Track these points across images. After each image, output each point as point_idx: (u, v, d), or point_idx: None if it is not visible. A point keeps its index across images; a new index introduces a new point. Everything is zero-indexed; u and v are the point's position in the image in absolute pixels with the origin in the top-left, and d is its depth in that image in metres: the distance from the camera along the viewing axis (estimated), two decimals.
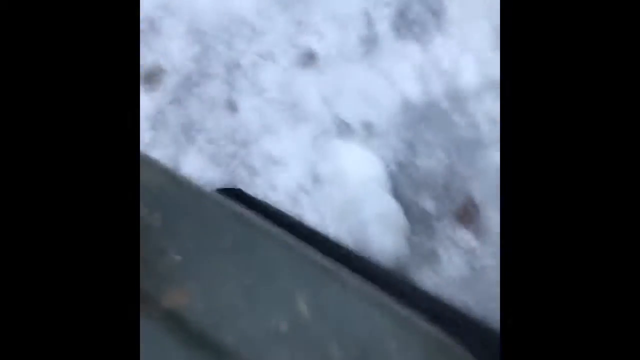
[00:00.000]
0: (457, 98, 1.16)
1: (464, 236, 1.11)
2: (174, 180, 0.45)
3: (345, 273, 0.45)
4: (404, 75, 1.24)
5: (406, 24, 1.23)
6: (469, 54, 1.15)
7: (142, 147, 1.46)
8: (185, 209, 0.44)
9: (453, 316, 0.78)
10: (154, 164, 0.49)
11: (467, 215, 1.10)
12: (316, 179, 1.36)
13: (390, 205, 1.21)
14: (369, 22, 1.27)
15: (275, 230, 0.44)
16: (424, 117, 1.20)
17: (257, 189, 1.48)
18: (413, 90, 1.22)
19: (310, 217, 1.35)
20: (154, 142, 1.59)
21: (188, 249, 0.43)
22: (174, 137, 1.59)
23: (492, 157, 1.11)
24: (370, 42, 1.28)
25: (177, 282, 0.43)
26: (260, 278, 0.41)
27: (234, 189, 0.84)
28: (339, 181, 1.30)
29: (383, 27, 1.26)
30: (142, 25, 1.67)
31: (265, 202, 0.95)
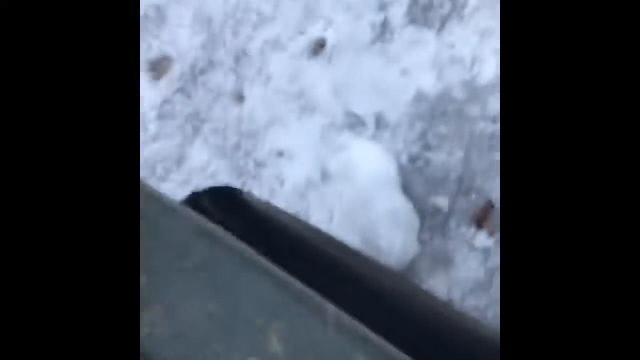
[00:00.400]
0: (474, 90, 1.09)
1: (479, 236, 1.04)
2: (141, 195, 0.41)
3: (323, 303, 0.41)
4: (417, 64, 1.17)
5: (421, 11, 1.16)
6: (488, 43, 1.08)
7: (147, 139, 1.41)
8: (152, 225, 0.40)
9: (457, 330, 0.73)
10: None
11: (482, 214, 1.04)
12: (325, 174, 1.30)
13: (401, 203, 1.14)
14: (382, 8, 1.21)
15: (247, 250, 0.39)
16: (438, 110, 1.13)
17: (264, 183, 1.43)
18: (427, 81, 1.15)
19: (319, 214, 1.30)
20: (159, 133, 1.55)
21: (154, 268, 0.38)
22: (180, 128, 1.55)
23: None
24: (382, 30, 1.21)
25: (143, 304, 0.39)
26: (227, 304, 0.37)
27: (227, 187, 0.79)
28: (348, 177, 1.25)
29: (397, 13, 1.20)
30: (149, 14, 1.62)
31: (262, 202, 0.89)
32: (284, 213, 0.95)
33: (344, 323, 0.40)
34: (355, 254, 0.89)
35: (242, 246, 0.40)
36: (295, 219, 0.96)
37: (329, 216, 1.25)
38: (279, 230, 0.76)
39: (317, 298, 0.41)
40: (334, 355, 0.38)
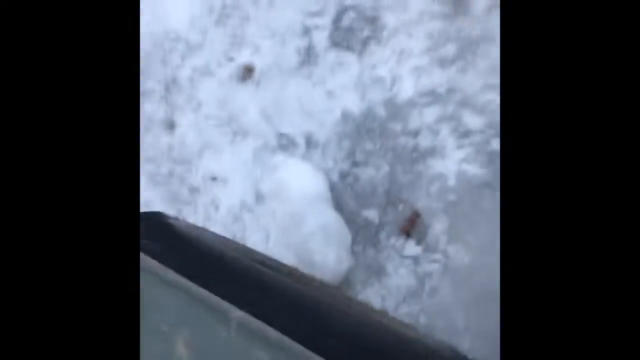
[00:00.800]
0: (394, 107, 1.15)
1: (408, 245, 1.09)
2: None
3: (229, 308, 0.43)
4: (342, 86, 1.22)
5: (343, 35, 1.22)
6: (405, 62, 1.15)
7: None
8: None
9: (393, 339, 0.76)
10: None
11: (410, 223, 1.09)
12: (259, 195, 1.32)
13: (333, 218, 1.18)
14: (305, 33, 1.26)
15: (158, 267, 0.41)
16: (363, 127, 1.18)
17: (199, 208, 1.43)
18: (351, 101, 1.20)
19: (255, 235, 1.31)
20: None
21: None
22: None
23: (432, 164, 1.10)
24: (307, 54, 1.26)
25: None
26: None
27: (158, 213, 0.80)
28: (281, 196, 1.27)
29: (320, 38, 1.25)
30: None
31: (192, 226, 0.90)
32: (214, 235, 0.95)
33: (247, 325, 0.42)
34: (286, 270, 0.91)
35: (154, 263, 0.42)
36: (224, 241, 0.97)
37: (265, 236, 1.27)
38: (206, 252, 0.77)
39: (224, 304, 0.43)
40: (235, 353, 0.40)
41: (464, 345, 1.00)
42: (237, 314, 0.44)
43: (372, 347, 0.71)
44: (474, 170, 1.06)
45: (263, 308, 0.50)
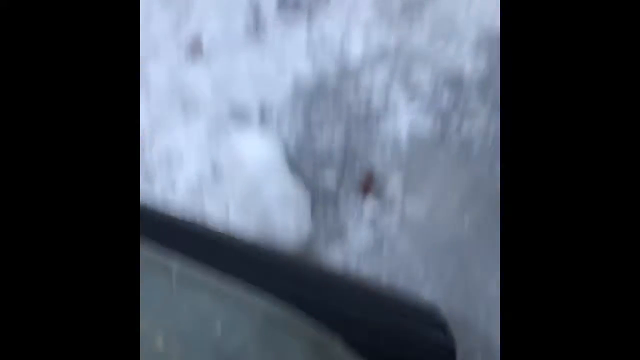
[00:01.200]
0: (347, 73, 1.16)
1: (367, 207, 1.10)
2: None
3: (169, 262, 0.44)
4: (293, 55, 1.22)
5: (290, 3, 1.22)
6: (354, 27, 1.16)
7: None
8: None
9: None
10: None
11: (367, 182, 1.10)
12: (216, 171, 1.31)
13: (292, 186, 1.18)
14: (252, 6, 1.25)
15: None
16: (317, 95, 1.19)
17: (155, 189, 1.42)
18: (304, 69, 1.20)
19: (214, 210, 1.31)
20: None
21: None
22: None
23: (386, 127, 1.11)
24: (256, 26, 1.26)
25: None
26: None
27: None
28: (239, 169, 1.27)
29: (267, 8, 1.25)
30: None
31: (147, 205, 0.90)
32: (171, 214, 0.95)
33: (188, 275, 0.43)
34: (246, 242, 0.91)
35: None
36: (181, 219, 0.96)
37: (225, 207, 1.27)
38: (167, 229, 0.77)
39: (164, 259, 0.44)
40: (178, 304, 0.41)
41: (425, 295, 1.01)
42: (177, 266, 0.45)
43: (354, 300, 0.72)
44: (426, 123, 1.08)
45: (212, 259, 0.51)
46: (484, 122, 1.07)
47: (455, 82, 1.07)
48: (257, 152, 1.24)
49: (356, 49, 1.14)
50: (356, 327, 0.58)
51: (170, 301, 0.43)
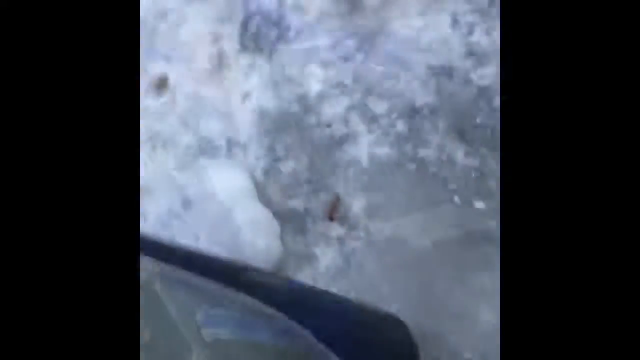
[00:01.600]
0: (307, 102, 1.24)
1: (332, 228, 1.17)
2: None
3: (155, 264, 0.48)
4: (256, 87, 1.29)
5: (251, 38, 1.30)
6: (312, 59, 1.24)
7: None
8: None
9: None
10: None
11: (332, 207, 1.17)
12: (186, 202, 1.36)
13: (260, 212, 1.24)
14: (215, 41, 1.32)
15: None
16: (280, 124, 1.26)
17: None
18: (267, 100, 1.27)
19: (183, 239, 1.35)
20: None
21: None
22: None
23: (347, 151, 1.19)
24: (219, 60, 1.32)
25: None
26: None
27: None
28: (208, 199, 1.32)
29: (230, 43, 1.32)
30: None
31: None
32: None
33: (171, 274, 0.48)
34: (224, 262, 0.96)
35: None
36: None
37: (195, 238, 1.31)
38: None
39: (147, 263, 0.49)
40: (152, 297, 0.46)
41: (392, 311, 1.08)
42: (156, 268, 0.50)
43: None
44: (384, 150, 1.16)
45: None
46: (435, 147, 1.16)
47: (409, 112, 1.17)
48: (226, 182, 1.30)
49: (314, 81, 1.22)
50: (323, 329, 0.61)
51: (156, 298, 0.47)
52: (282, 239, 1.21)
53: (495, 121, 1.12)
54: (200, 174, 1.34)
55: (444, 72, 1.16)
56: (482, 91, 1.15)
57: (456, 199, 1.15)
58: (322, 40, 1.22)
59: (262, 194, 1.25)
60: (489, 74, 1.15)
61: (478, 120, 1.14)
